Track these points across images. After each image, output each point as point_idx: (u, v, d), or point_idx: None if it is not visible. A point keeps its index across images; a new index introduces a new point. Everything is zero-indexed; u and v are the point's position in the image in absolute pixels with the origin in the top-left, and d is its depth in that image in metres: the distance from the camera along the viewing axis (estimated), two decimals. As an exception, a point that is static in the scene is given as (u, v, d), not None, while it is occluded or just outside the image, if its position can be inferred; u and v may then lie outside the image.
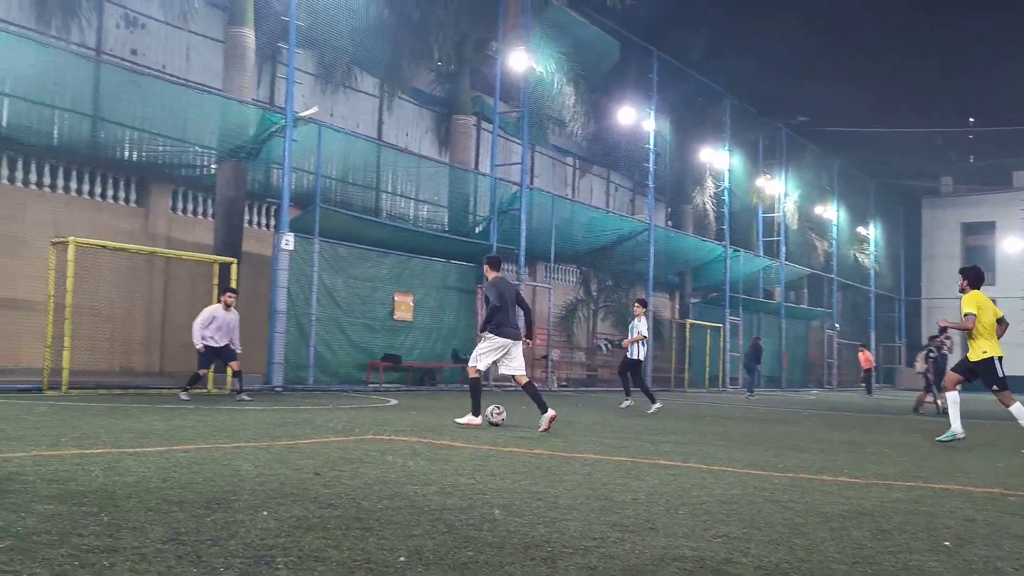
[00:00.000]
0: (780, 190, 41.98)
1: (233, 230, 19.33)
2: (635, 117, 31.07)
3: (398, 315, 22.00)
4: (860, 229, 52.58)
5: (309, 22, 19.88)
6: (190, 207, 21.33)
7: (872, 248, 52.47)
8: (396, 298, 21.95)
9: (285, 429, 9.06)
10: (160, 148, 19.26)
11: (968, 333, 10.09)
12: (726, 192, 36.88)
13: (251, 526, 4.06)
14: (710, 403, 21.57)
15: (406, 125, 28.92)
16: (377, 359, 20.94)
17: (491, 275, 10.52)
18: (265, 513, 4.38)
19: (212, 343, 14.01)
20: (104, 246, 15.43)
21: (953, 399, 10.31)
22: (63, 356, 13.97)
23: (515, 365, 10.18)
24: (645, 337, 16.15)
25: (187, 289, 19.17)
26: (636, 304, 16.84)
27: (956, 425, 10.17)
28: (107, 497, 4.64)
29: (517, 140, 28.37)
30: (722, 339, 35.08)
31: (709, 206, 37.28)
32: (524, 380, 10.27)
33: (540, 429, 9.78)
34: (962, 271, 10.55)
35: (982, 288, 10.35)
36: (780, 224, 41.75)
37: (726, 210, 36.70)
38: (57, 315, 14.20)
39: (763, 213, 41.17)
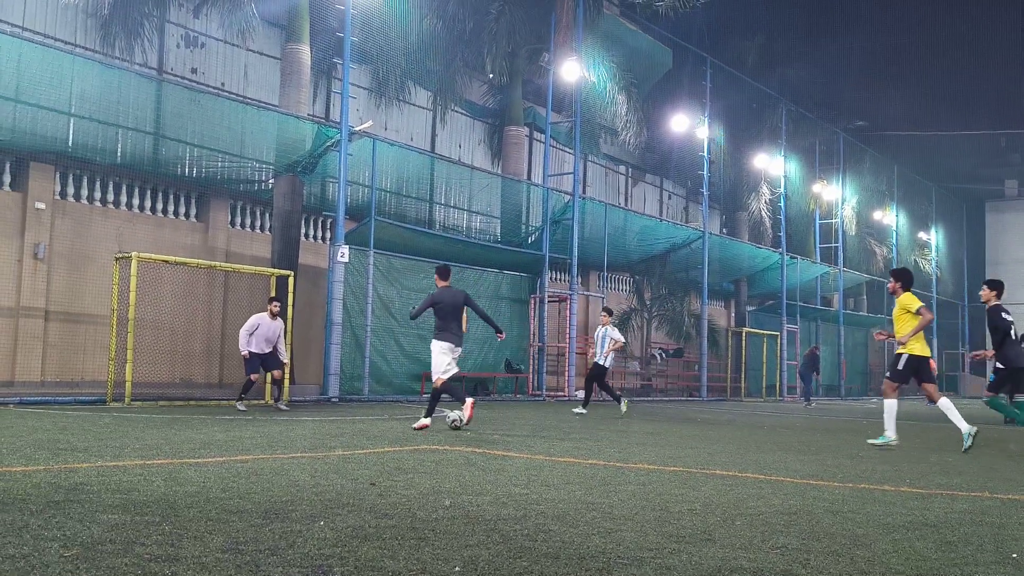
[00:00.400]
0: (838, 195, 41.31)
1: (290, 243, 19.63)
2: (689, 125, 30.86)
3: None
4: (921, 234, 51.48)
5: (363, 37, 20.13)
6: (248, 221, 21.71)
7: (934, 253, 51.31)
8: (450, 308, 22.04)
9: (341, 440, 9.15)
10: (219, 164, 19.64)
11: (904, 329, 10.36)
12: (782, 198, 36.40)
13: (308, 536, 4.11)
14: (768, 412, 21.27)
15: (459, 137, 29.09)
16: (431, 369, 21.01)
17: (439, 284, 11.20)
18: (322, 523, 4.43)
19: (256, 350, 14.27)
20: (166, 260, 15.77)
21: (945, 405, 10.30)
22: (126, 368, 14.30)
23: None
24: (622, 344, 16.40)
25: (245, 302, 19.48)
26: (603, 313, 16.91)
27: (963, 425, 10.08)
28: (168, 507, 4.74)
29: (569, 150, 28.36)
30: (779, 347, 34.58)
31: (764, 213, 36.82)
32: (440, 383, 10.87)
33: (453, 422, 10.50)
34: (894, 273, 10.90)
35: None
36: (838, 230, 41.06)
37: (782, 216, 36.21)
38: (120, 328, 14.55)
39: (820, 219, 40.54)
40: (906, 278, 10.71)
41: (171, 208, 20.07)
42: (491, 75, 26.95)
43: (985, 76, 42.58)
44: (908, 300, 10.44)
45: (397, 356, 20.57)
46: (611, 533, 4.45)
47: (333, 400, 17.73)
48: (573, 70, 24.83)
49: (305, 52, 19.54)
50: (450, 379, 10.88)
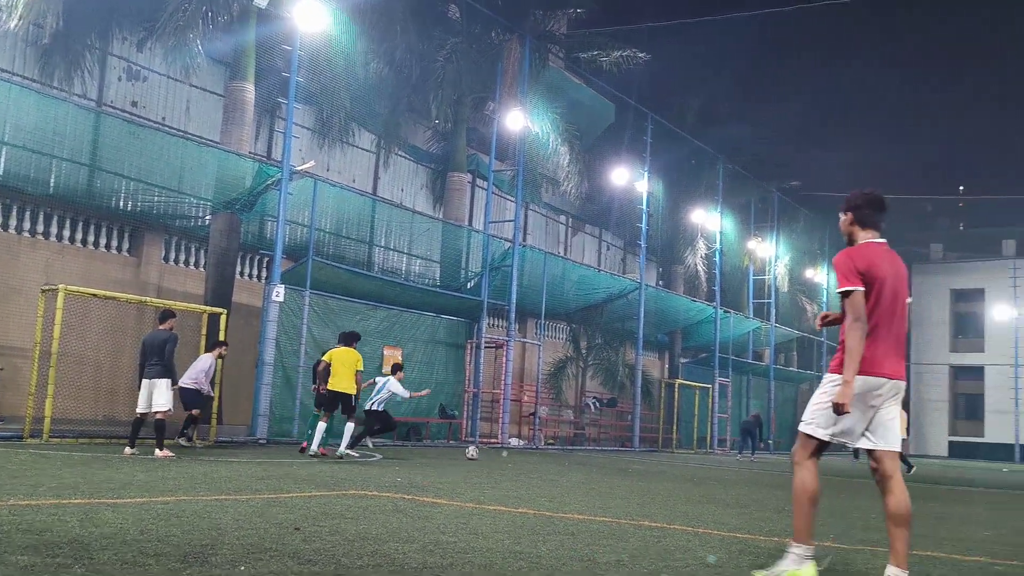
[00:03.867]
0: (771, 252, 42.28)
1: (224, 281, 19.34)
2: (628, 178, 31.36)
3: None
4: (851, 293, 52.77)
5: (309, 78, 20.13)
6: (182, 257, 21.35)
7: (862, 312, 52.54)
8: (385, 352, 21.88)
9: (267, 482, 8.97)
10: (156, 198, 19.33)
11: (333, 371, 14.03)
12: (717, 253, 37.12)
13: (227, 581, 4.01)
14: (698, 464, 21.43)
15: (401, 181, 29.14)
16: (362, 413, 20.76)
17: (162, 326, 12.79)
18: (243, 568, 4.33)
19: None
20: (95, 294, 15.40)
21: (348, 428, 13.96)
22: (45, 404, 13.84)
23: (158, 401, 12.22)
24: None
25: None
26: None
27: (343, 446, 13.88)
28: (82, 549, 4.59)
29: (511, 198, 28.59)
30: (711, 400, 34.99)
31: (700, 267, 37.46)
32: (157, 417, 12.27)
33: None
34: (341, 336, 14.81)
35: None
36: (771, 286, 41.95)
37: (717, 271, 36.88)
38: (43, 363, 14.11)
39: (754, 275, 41.38)
40: (345, 338, 14.54)
41: (103, 241, 19.66)
42: (436, 121, 27.13)
43: (914, 144, 44.23)
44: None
45: (330, 399, 20.27)
46: (537, 583, 4.43)
47: (261, 441, 17.38)
48: (517, 119, 25.12)
49: (249, 90, 19.46)
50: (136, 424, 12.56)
